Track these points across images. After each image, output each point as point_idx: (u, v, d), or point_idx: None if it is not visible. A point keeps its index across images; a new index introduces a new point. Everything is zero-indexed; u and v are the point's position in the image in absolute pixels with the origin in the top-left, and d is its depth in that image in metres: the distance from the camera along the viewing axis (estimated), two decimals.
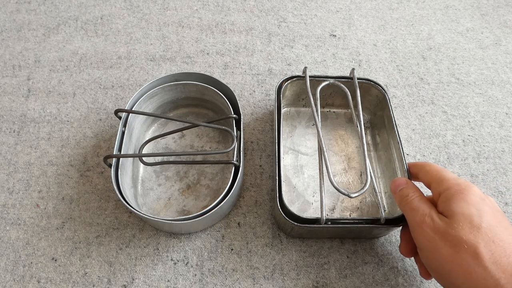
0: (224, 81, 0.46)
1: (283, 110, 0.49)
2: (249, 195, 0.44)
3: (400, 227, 0.38)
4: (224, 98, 0.43)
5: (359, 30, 0.61)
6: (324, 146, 0.38)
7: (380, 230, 0.38)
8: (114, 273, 0.38)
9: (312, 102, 0.41)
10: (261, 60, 0.56)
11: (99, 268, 0.39)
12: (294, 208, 0.40)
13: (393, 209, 0.40)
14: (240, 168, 0.39)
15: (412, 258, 0.40)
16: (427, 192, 0.36)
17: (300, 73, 0.46)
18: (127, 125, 0.41)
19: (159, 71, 0.54)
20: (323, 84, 0.43)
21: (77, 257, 0.39)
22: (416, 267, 0.40)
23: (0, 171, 0.45)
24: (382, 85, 0.45)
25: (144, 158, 0.39)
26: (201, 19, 0.61)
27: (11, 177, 0.44)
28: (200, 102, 0.48)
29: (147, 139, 0.42)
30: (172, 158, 0.44)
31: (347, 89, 0.43)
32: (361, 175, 0.45)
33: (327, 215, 0.42)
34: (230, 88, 0.44)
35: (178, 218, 0.35)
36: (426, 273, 0.35)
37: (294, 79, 0.45)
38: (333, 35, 0.60)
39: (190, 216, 0.35)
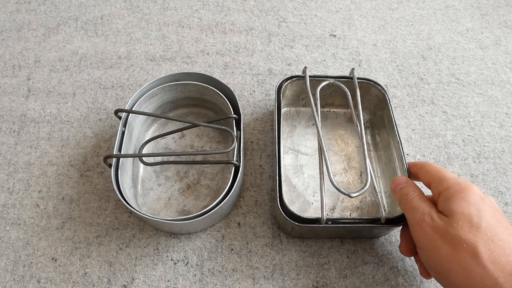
0: (224, 81, 0.46)
1: (283, 110, 0.49)
2: (249, 195, 0.44)
3: (400, 227, 0.38)
4: (224, 98, 0.43)
5: (359, 30, 0.61)
6: (324, 146, 0.38)
7: (380, 230, 0.38)
8: (114, 273, 0.38)
9: (312, 102, 0.41)
10: (261, 60, 0.56)
11: (99, 268, 0.39)
12: (294, 208, 0.40)
13: (393, 209, 0.40)
14: (240, 168, 0.39)
15: (412, 258, 0.40)
16: (427, 192, 0.36)
17: (300, 73, 0.46)
18: (127, 125, 0.41)
19: (159, 71, 0.54)
20: (323, 84, 0.43)
21: (77, 257, 0.39)
22: (416, 267, 0.40)
23: (0, 171, 0.45)
24: (382, 85, 0.46)
25: (144, 158, 0.39)
26: (201, 19, 0.61)
27: (11, 177, 0.44)
28: (200, 102, 0.48)
29: (147, 139, 0.42)
30: (172, 158, 0.44)
31: (347, 89, 0.43)
32: (361, 175, 0.45)
33: (327, 214, 0.42)
34: (230, 88, 0.44)
35: (178, 218, 0.35)
36: (426, 273, 0.35)
37: (294, 79, 0.45)
38: (333, 35, 0.60)
39: (190, 216, 0.35)
